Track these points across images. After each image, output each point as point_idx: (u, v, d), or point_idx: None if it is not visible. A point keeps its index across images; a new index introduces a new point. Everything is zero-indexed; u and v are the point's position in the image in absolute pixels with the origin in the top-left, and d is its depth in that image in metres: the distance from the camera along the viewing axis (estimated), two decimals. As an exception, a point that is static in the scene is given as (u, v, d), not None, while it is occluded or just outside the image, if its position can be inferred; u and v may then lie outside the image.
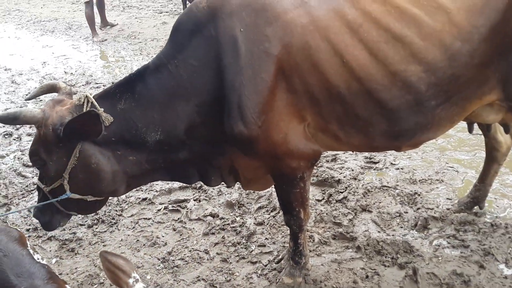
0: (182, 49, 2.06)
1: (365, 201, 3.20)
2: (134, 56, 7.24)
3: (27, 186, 3.96)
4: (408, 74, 1.95)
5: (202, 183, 2.52)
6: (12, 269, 1.43)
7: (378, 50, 1.93)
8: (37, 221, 2.39)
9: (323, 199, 3.31)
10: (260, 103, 1.98)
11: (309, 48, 1.92)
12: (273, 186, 2.45)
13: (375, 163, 3.60)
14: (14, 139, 4.93)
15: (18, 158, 4.50)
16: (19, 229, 1.69)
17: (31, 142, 2.19)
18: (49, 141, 2.07)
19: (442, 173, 3.38)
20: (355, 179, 3.46)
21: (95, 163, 2.09)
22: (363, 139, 2.18)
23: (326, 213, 3.13)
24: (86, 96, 2.11)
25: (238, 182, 2.44)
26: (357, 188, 3.34)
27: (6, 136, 5.01)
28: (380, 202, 3.18)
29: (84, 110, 2.05)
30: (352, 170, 3.55)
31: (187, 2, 8.24)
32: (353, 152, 3.57)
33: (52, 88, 2.34)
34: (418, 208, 3.06)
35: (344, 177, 3.49)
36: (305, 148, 2.14)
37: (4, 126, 5.29)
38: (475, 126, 2.62)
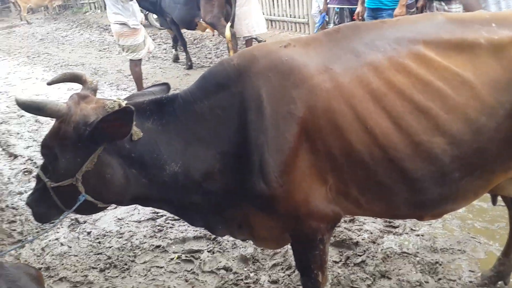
0: (209, 96, 2.09)
1: (384, 266, 3.12)
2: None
3: (42, 224, 3.94)
4: (432, 146, 1.96)
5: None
6: None
7: (401, 119, 1.95)
8: (32, 215, 2.24)
9: (341, 261, 3.23)
10: (283, 162, 1.98)
11: (333, 112, 1.95)
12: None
13: (395, 227, 3.54)
14: (34, 177, 4.96)
15: (35, 196, 4.51)
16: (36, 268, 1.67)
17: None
18: (68, 139, 2.00)
19: (464, 243, 3.30)
20: (374, 242, 3.39)
21: (109, 174, 2.04)
22: (384, 207, 2.17)
23: (344, 277, 3.05)
24: (119, 105, 2.06)
25: (248, 239, 2.39)
26: (376, 252, 3.27)
27: (26, 173, 5.07)
28: (400, 269, 3.09)
29: None
30: (371, 233, 3.49)
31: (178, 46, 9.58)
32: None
33: (76, 78, 2.26)
34: (440, 279, 2.97)
35: (363, 239, 3.42)
36: (326, 209, 2.11)
37: (24, 163, 5.38)
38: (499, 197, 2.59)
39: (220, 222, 2.30)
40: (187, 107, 2.12)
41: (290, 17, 10.87)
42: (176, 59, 9.71)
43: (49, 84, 2.33)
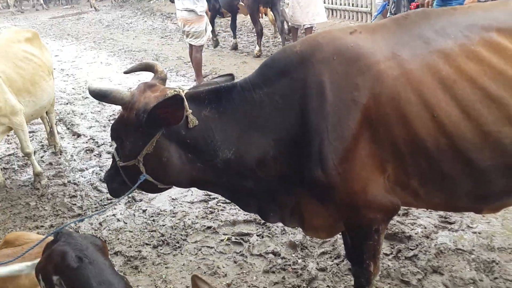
0: (269, 84, 2.10)
1: (437, 262, 3.02)
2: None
3: (101, 200, 4.16)
4: (502, 136, 1.87)
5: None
6: (94, 277, 1.46)
7: (471, 108, 1.87)
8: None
9: (391, 253, 3.16)
10: (343, 150, 1.95)
11: (399, 99, 1.90)
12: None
13: (451, 223, 3.41)
14: (95, 155, 5.23)
15: (96, 173, 4.75)
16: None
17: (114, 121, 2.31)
18: (130, 124, 2.15)
19: (524, 244, 3.14)
20: (428, 237, 3.29)
21: (166, 158, 2.14)
22: (444, 198, 2.09)
23: (394, 269, 2.99)
24: (178, 93, 2.13)
25: (299, 227, 2.39)
26: (429, 247, 3.17)
27: (87, 152, 5.33)
28: (453, 266, 2.98)
29: None
30: (425, 228, 3.39)
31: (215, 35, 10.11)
32: (427, 209, 3.43)
33: (149, 68, 2.44)
34: (496, 278, 2.84)
35: (416, 234, 3.33)
36: (384, 200, 2.06)
37: (86, 142, 5.65)
38: None
39: (272, 209, 2.32)
40: (245, 94, 2.14)
41: (352, 6, 10.67)
42: (234, 47, 9.82)
43: (126, 72, 2.59)
